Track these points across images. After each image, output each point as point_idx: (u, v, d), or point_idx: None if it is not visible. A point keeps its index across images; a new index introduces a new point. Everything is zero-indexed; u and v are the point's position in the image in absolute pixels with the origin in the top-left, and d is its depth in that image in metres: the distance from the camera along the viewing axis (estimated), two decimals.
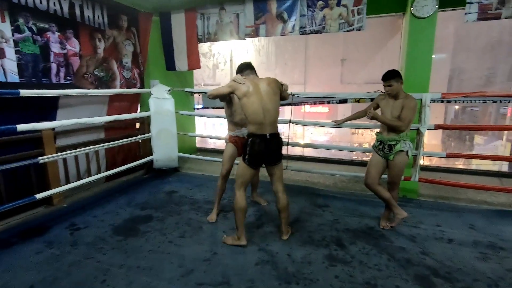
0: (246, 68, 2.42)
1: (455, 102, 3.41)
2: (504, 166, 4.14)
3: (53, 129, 2.96)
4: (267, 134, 2.18)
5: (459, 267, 2.05)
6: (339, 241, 2.40)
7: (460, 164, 5.15)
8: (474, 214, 2.92)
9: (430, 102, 2.91)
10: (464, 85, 4.73)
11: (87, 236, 2.48)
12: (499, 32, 4.23)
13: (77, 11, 3.13)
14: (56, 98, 3.02)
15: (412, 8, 3.01)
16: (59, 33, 2.98)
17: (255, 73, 2.44)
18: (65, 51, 3.06)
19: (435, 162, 4.91)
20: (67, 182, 3.16)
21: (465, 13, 2.84)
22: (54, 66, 2.98)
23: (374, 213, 2.89)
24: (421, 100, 2.90)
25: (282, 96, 2.31)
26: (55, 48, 2.96)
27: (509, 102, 3.69)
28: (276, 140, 2.25)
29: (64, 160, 3.15)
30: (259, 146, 2.19)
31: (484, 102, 3.32)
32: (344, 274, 1.97)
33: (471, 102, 3.24)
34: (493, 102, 3.48)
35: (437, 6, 2.93)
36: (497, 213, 2.97)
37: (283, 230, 2.43)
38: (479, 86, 4.46)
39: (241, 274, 1.98)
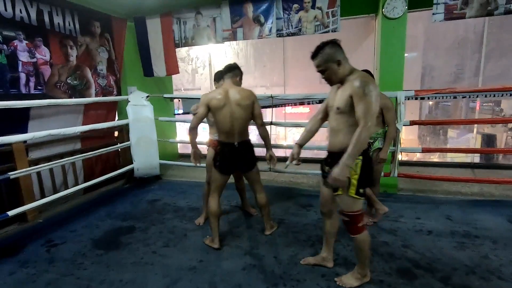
0: (220, 77, 2.48)
1: (428, 98, 3.55)
2: (476, 158, 4.35)
3: (25, 141, 2.83)
4: (236, 143, 2.23)
5: (438, 257, 2.13)
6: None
7: (435, 157, 5.36)
8: (450, 205, 3.05)
9: (405, 100, 3.01)
10: (435, 81, 4.95)
11: (65, 252, 2.37)
12: (464, 30, 4.46)
13: (46, 18, 3.01)
14: (27, 109, 2.88)
15: (383, 10, 3.12)
16: (27, 41, 2.85)
17: (235, 74, 2.33)
18: (34, 59, 2.93)
19: (412, 156, 5.08)
20: (42, 196, 3.01)
21: (433, 13, 2.97)
22: (23, 76, 2.84)
23: None
24: (396, 98, 3.00)
25: (254, 114, 2.28)
26: (23, 57, 2.83)
27: (477, 96, 3.89)
28: (245, 148, 2.29)
29: (38, 173, 3.01)
30: (227, 155, 2.25)
31: (455, 97, 3.48)
32: (331, 272, 1.99)
33: (443, 98, 3.39)
34: (463, 97, 3.66)
35: (406, 7, 3.05)
36: (471, 203, 3.11)
37: (265, 225, 2.53)
38: (449, 82, 4.68)
39: (228, 280, 1.96)
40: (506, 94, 3.32)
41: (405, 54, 3.27)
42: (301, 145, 1.95)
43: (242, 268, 2.08)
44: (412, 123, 3.19)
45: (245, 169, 2.37)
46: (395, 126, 2.54)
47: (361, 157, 1.60)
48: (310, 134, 1.94)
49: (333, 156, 1.67)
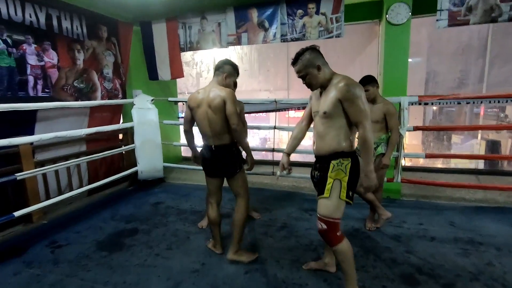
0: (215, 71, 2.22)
1: (432, 104, 3.56)
2: (480, 164, 4.32)
3: (32, 143, 2.87)
4: (212, 146, 2.11)
5: (441, 264, 2.11)
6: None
7: (439, 163, 5.33)
8: (453, 211, 3.03)
9: (408, 105, 3.02)
10: (439, 87, 4.94)
11: (69, 253, 2.39)
12: (468, 37, 4.46)
13: (55, 22, 3.07)
14: (34, 112, 2.93)
15: (387, 16, 3.14)
16: (35, 45, 2.91)
17: (223, 71, 2.12)
18: (42, 63, 2.98)
19: (415, 162, 5.06)
20: (47, 197, 3.05)
21: (436, 20, 2.99)
22: (31, 79, 2.89)
23: (359, 215, 2.94)
24: (400, 103, 3.01)
25: (226, 114, 2.01)
26: (31, 60, 2.88)
27: (481, 102, 3.88)
28: (223, 153, 2.12)
29: (44, 175, 3.05)
30: (206, 157, 2.17)
31: (459, 103, 3.48)
32: (332, 277, 1.99)
33: (446, 104, 3.39)
34: (467, 103, 3.66)
35: (410, 14, 3.07)
36: (475, 209, 3.09)
37: (230, 247, 2.23)
38: (453, 88, 4.66)
39: (231, 283, 1.96)
40: (511, 101, 3.32)
41: (409, 60, 3.28)
42: (289, 153, 1.94)
43: (244, 272, 2.09)
44: (416, 128, 3.19)
45: (224, 175, 2.20)
46: (398, 131, 2.55)
47: (349, 159, 1.61)
48: (296, 141, 1.95)
49: (321, 160, 1.70)
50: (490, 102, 3.41)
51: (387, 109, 2.46)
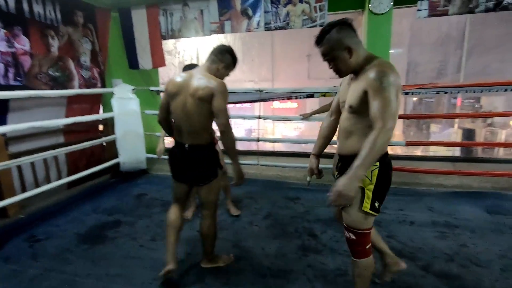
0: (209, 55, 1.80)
1: (412, 93, 3.65)
2: (456, 152, 4.51)
3: (4, 134, 2.72)
4: (186, 145, 1.74)
5: (420, 247, 2.20)
6: (311, 231, 2.48)
7: (419, 151, 5.52)
8: (432, 197, 3.16)
9: None
10: (419, 77, 5.08)
11: (49, 247, 2.32)
12: (447, 28, 4.58)
13: (25, 6, 2.89)
14: (5, 101, 2.77)
15: (369, 5, 3.16)
16: (5, 30, 2.73)
17: (218, 60, 1.74)
18: (13, 49, 2.81)
19: (396, 150, 5.21)
20: (23, 191, 2.92)
21: (417, 10, 3.03)
22: (1, 66, 2.72)
23: None
24: None
25: (213, 110, 1.65)
26: (1, 46, 2.71)
27: (458, 92, 4.02)
28: (197, 155, 1.74)
29: (19, 167, 2.92)
30: (176, 158, 1.80)
31: (437, 93, 3.58)
32: (317, 263, 2.04)
33: (426, 94, 3.47)
34: (445, 92, 3.77)
35: (392, 3, 3.10)
36: (452, 194, 3.23)
37: (202, 257, 2.03)
38: (433, 78, 4.80)
39: (216, 272, 1.97)
40: (486, 90, 3.45)
41: (391, 50, 3.33)
42: (318, 155, 1.65)
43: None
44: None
45: (195, 182, 1.81)
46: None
47: (377, 164, 1.30)
48: (326, 140, 1.65)
49: (345, 160, 1.38)
50: (467, 91, 3.54)
51: None
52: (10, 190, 2.74)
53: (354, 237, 1.38)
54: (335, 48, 1.27)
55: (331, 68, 1.35)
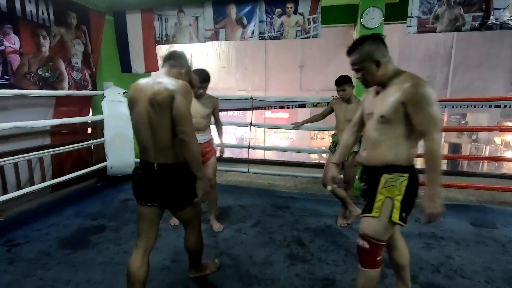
0: (163, 62, 1.61)
1: None
2: (443, 165, 4.61)
3: None
4: (155, 164, 1.44)
5: None
6: (299, 240, 2.46)
7: None
8: (419, 209, 3.18)
9: None
10: None
11: (28, 252, 2.23)
12: (435, 45, 4.75)
13: (17, 5, 2.85)
14: None
15: (361, 20, 3.25)
16: None
17: (178, 65, 1.57)
18: (2, 47, 2.76)
19: None
20: (5, 193, 2.82)
21: (407, 26, 3.14)
22: None
23: (331, 211, 3.01)
24: None
25: (173, 115, 1.39)
26: None
27: (445, 107, 4.14)
28: (169, 175, 1.46)
29: (1, 168, 2.82)
30: (142, 179, 1.49)
31: None
32: (305, 272, 2.02)
33: None
34: None
35: (383, 19, 3.20)
36: None
37: (190, 269, 1.91)
38: None
39: (202, 279, 1.93)
40: (471, 106, 3.56)
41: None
42: (338, 164, 1.66)
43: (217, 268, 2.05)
44: None
45: (170, 206, 1.55)
46: None
47: (406, 175, 1.35)
48: (347, 150, 1.68)
49: (371, 171, 1.43)
50: (453, 107, 3.64)
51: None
52: None
53: (367, 246, 1.38)
54: (365, 59, 1.33)
55: (357, 78, 1.41)
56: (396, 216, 1.34)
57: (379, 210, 1.35)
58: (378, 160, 1.38)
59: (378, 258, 1.40)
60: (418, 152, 1.42)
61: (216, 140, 2.70)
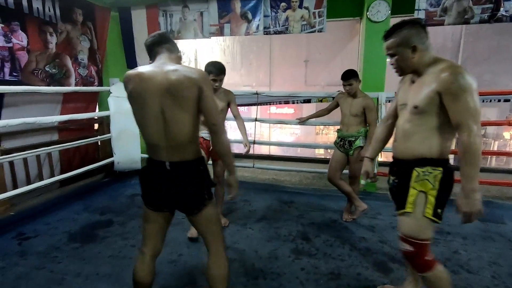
0: (152, 47, 1.37)
1: None
2: (450, 160, 4.56)
3: None
4: (167, 163, 1.27)
5: None
6: (304, 235, 2.47)
7: None
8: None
9: (386, 101, 3.11)
10: None
11: (38, 245, 2.28)
12: (443, 38, 4.66)
13: (24, 2, 2.88)
14: (0, 96, 2.75)
15: (368, 13, 3.20)
16: (2, 25, 2.72)
17: (173, 48, 1.38)
18: (10, 44, 2.79)
19: (390, 157, 5.25)
20: (15, 188, 2.88)
21: None
22: None
23: (336, 206, 3.01)
24: (377, 98, 3.10)
25: (203, 109, 1.26)
26: None
27: None
28: (183, 175, 1.29)
29: (11, 164, 2.88)
30: (154, 180, 1.33)
31: None
32: (310, 266, 2.03)
33: None
34: None
35: (389, 12, 3.15)
36: None
37: None
38: None
39: None
40: (480, 100, 3.51)
41: (388, 59, 3.37)
42: (372, 158, 1.64)
43: None
44: None
45: (184, 209, 1.37)
46: (376, 125, 2.61)
47: (440, 169, 1.27)
48: (381, 144, 1.63)
49: (401, 164, 1.36)
50: None
51: (367, 103, 2.52)
52: (1, 186, 2.69)
53: (412, 249, 1.30)
54: (401, 44, 1.26)
55: (392, 64, 1.32)
56: (429, 212, 1.28)
57: (413, 205, 1.29)
58: (409, 153, 1.32)
59: (429, 258, 1.32)
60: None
61: (238, 136, 2.49)
